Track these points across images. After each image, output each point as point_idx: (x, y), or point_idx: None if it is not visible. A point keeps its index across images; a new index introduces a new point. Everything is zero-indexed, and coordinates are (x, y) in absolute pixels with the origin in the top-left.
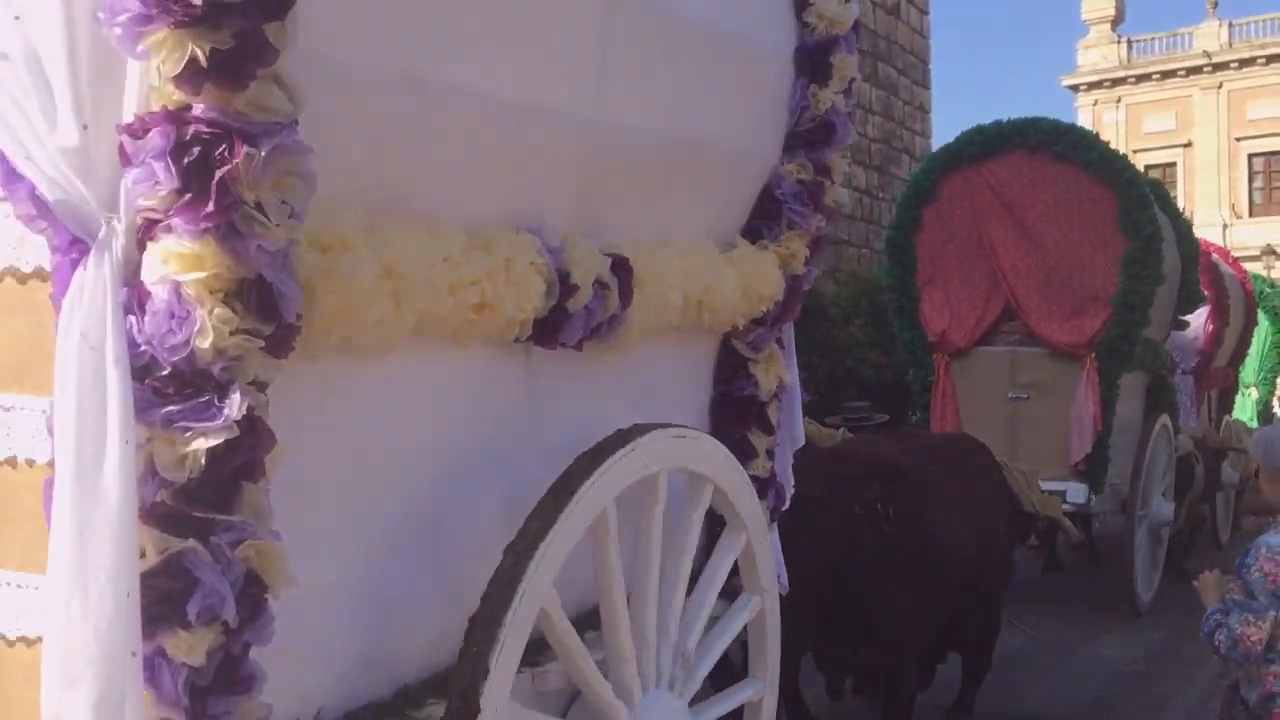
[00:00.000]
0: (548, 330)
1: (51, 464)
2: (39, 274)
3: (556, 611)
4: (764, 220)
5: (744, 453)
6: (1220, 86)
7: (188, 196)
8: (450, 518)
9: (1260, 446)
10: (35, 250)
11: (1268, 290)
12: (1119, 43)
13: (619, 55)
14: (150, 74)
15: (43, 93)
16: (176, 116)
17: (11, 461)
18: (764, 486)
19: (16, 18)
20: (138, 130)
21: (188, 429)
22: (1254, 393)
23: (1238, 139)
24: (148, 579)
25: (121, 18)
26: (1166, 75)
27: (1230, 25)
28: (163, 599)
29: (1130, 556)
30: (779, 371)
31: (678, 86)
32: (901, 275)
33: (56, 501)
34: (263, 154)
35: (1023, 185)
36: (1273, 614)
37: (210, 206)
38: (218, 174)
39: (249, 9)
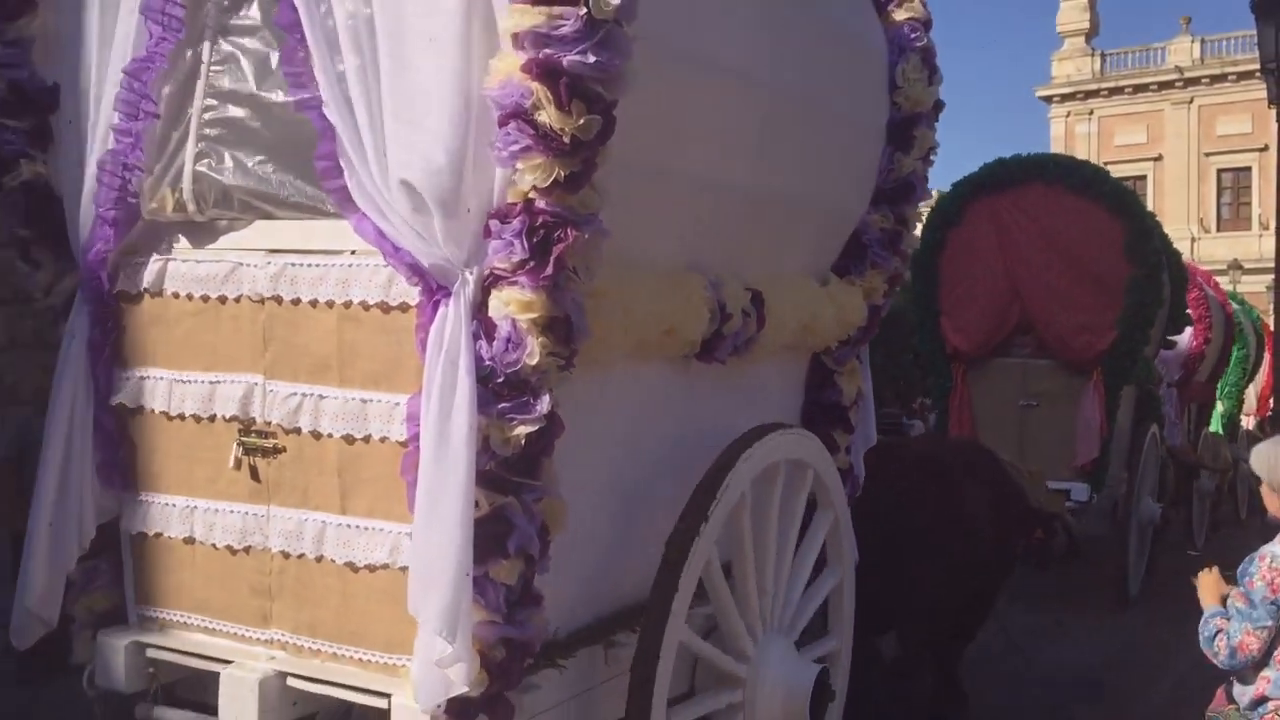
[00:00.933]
0: (708, 349)
1: (401, 442)
2: (401, 307)
3: (715, 563)
4: (852, 260)
5: (829, 448)
6: (1191, 101)
7: (532, 263)
8: (639, 487)
9: (1263, 464)
10: (398, 289)
11: (1237, 308)
12: (1093, 55)
13: (770, 137)
14: (510, 177)
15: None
16: (529, 208)
17: (366, 439)
18: (844, 476)
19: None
20: (503, 215)
21: (513, 419)
22: (1220, 406)
23: (1207, 154)
24: (481, 523)
25: (514, 147)
26: (1139, 89)
27: (1203, 41)
28: (491, 537)
29: (1124, 551)
30: (858, 382)
31: (804, 157)
32: (925, 291)
33: (422, 467)
34: (585, 236)
35: (1040, 213)
36: (1270, 624)
37: (548, 270)
38: (555, 250)
39: (594, 142)
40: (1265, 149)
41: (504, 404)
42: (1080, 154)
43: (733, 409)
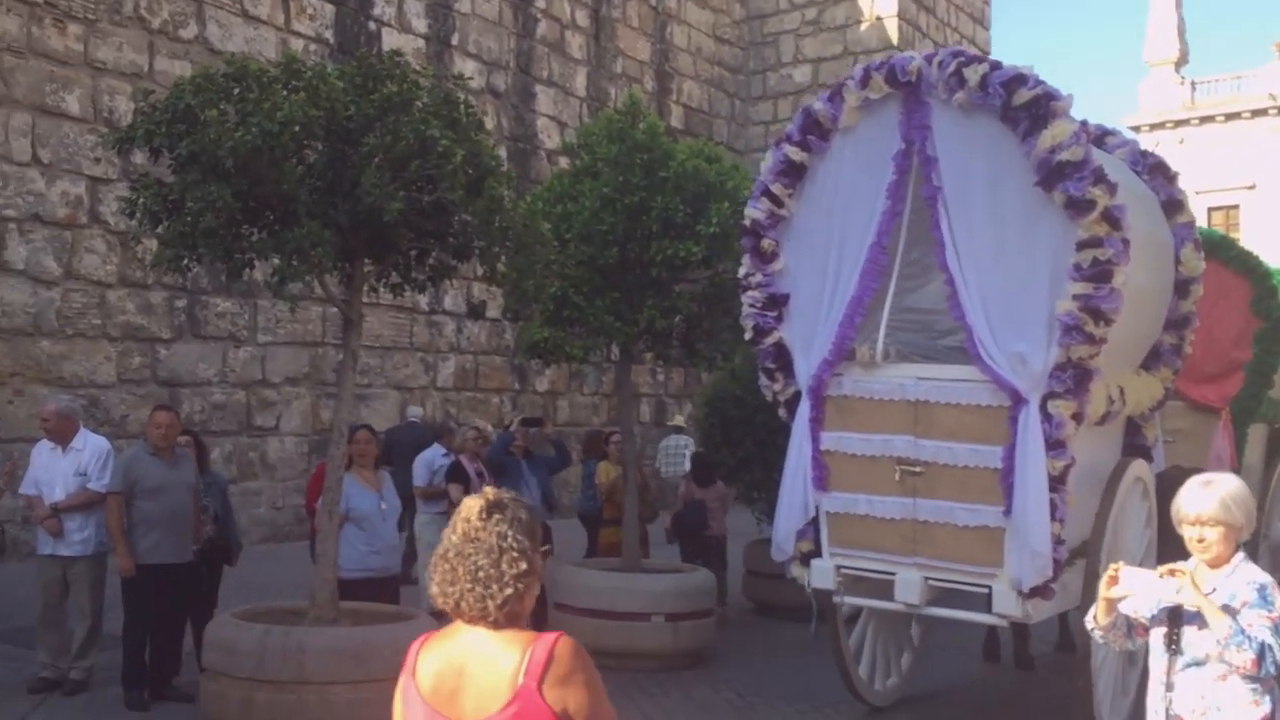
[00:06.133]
0: (1102, 419)
1: (994, 469)
2: (997, 408)
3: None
4: (1152, 361)
5: None
6: None
7: (1073, 389)
8: (1079, 487)
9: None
10: (994, 398)
11: None
12: (1182, 84)
13: (1137, 305)
14: (1064, 351)
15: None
16: (1074, 364)
17: (976, 467)
18: None
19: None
20: (1061, 368)
21: (1057, 457)
22: None
23: None
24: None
25: (1072, 342)
26: (1230, 117)
27: None
28: (1049, 512)
29: None
30: (1156, 432)
31: (1144, 310)
32: None
33: (1016, 481)
34: (1097, 376)
35: None
36: None
37: (1081, 394)
38: (1086, 384)
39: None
40: None
41: (1053, 451)
42: None
43: (1103, 448)
